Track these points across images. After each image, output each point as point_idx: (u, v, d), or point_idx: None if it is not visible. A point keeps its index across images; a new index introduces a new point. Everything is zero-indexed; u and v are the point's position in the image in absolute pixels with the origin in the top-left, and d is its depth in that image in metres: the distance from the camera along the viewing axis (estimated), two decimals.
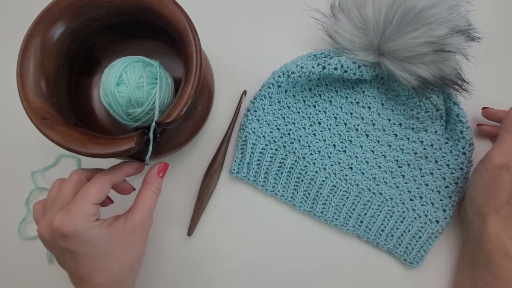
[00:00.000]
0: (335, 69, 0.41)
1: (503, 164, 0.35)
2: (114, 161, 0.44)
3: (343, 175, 0.43)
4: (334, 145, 0.43)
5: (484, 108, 0.42)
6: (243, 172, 0.43)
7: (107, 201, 0.38)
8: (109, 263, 0.32)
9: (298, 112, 0.44)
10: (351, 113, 0.44)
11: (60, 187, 0.32)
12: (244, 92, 0.45)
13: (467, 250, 0.40)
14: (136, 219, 0.33)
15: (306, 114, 0.44)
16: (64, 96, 0.36)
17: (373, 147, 0.43)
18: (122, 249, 0.32)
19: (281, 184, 0.43)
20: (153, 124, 0.32)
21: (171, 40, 0.35)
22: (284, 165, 0.43)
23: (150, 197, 0.34)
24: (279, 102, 0.44)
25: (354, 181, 0.43)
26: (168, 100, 0.35)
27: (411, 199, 0.42)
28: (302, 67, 0.41)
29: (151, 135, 0.33)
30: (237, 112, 0.44)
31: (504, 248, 0.35)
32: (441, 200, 0.42)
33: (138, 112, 0.34)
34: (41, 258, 0.43)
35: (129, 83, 0.33)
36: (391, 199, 0.42)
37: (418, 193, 0.42)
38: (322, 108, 0.44)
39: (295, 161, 0.43)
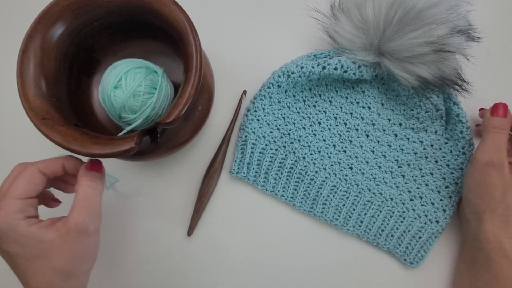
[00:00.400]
0: (335, 69, 0.40)
1: (488, 161, 0.36)
2: (114, 161, 0.44)
3: (343, 175, 0.43)
4: (334, 145, 0.43)
5: (481, 109, 0.42)
6: (243, 172, 0.43)
7: (51, 202, 0.35)
8: (41, 267, 0.29)
9: (298, 112, 0.44)
10: (351, 113, 0.44)
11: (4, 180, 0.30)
12: (244, 92, 0.45)
13: (466, 250, 0.40)
14: (70, 221, 0.29)
15: (306, 114, 0.44)
16: (64, 96, 0.36)
17: (373, 147, 0.43)
18: (55, 253, 0.29)
19: (281, 184, 0.43)
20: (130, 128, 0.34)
21: (171, 40, 0.35)
22: (284, 165, 0.43)
23: (85, 194, 0.30)
24: (279, 102, 0.44)
25: (354, 181, 0.43)
26: (164, 110, 0.35)
27: (411, 199, 0.42)
28: (302, 67, 0.41)
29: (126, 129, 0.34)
30: (237, 112, 0.44)
31: (502, 248, 0.35)
32: (441, 200, 0.42)
33: (130, 118, 0.34)
34: None
35: (126, 89, 0.33)
36: (391, 199, 0.42)
37: (418, 193, 0.42)
38: (322, 108, 0.44)
39: (295, 161, 0.43)
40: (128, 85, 0.34)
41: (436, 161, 0.42)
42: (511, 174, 0.36)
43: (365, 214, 0.42)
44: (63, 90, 0.36)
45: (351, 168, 0.43)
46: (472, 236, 0.38)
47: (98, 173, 0.32)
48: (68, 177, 0.34)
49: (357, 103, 0.44)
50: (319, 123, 0.44)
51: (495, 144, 0.37)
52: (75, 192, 0.31)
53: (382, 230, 0.42)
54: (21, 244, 0.29)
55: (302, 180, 0.43)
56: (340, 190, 0.42)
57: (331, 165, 0.43)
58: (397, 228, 0.42)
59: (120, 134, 0.34)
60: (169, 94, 0.36)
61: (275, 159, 0.43)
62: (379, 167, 0.43)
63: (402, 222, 0.42)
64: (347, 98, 0.44)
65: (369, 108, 0.44)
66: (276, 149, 0.43)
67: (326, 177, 0.43)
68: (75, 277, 0.31)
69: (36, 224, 0.29)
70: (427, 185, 0.42)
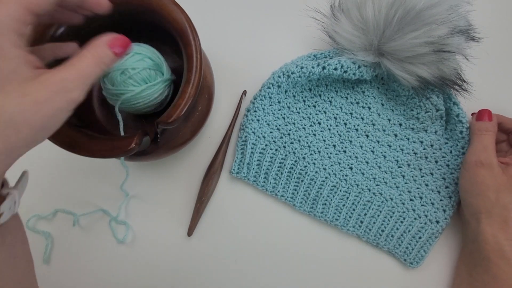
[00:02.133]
0: (335, 69, 0.41)
1: (476, 160, 0.38)
2: (114, 161, 0.44)
3: (343, 175, 0.43)
4: (334, 146, 0.43)
5: (473, 114, 0.42)
6: (243, 172, 0.43)
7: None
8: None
9: (298, 112, 0.44)
10: (351, 113, 0.44)
11: None
12: (244, 92, 0.45)
13: (466, 251, 0.40)
14: (58, 75, 0.23)
15: (306, 114, 0.44)
16: None
17: (373, 147, 0.43)
18: (17, 94, 0.21)
19: (281, 184, 0.43)
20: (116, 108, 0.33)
21: (171, 40, 0.35)
22: (284, 165, 0.43)
23: (86, 63, 0.24)
24: (279, 102, 0.44)
25: (354, 181, 0.43)
26: (148, 107, 0.36)
27: (411, 199, 0.42)
28: (302, 67, 0.41)
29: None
30: (237, 112, 0.44)
31: (500, 249, 0.35)
32: (441, 200, 0.42)
33: (109, 88, 0.34)
34: (39, 257, 0.43)
35: (121, 63, 0.33)
36: (391, 199, 0.42)
37: (418, 193, 0.42)
38: (322, 108, 0.44)
39: (295, 161, 0.43)
40: (127, 61, 0.34)
41: (436, 161, 0.42)
42: (505, 174, 0.37)
43: (365, 214, 0.42)
44: None
45: (351, 168, 0.43)
46: (471, 237, 0.38)
47: (112, 54, 0.25)
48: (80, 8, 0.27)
49: (357, 103, 0.44)
50: (319, 123, 0.44)
51: (481, 145, 0.38)
52: (79, 54, 0.25)
53: (382, 230, 0.42)
54: None
55: (302, 180, 0.43)
56: (340, 190, 0.42)
57: (331, 165, 0.43)
58: (397, 228, 0.42)
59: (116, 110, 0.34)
60: (158, 99, 0.36)
61: (275, 159, 0.43)
62: (379, 167, 0.43)
63: (402, 222, 0.42)
64: (347, 98, 0.44)
65: (369, 108, 0.44)
66: (276, 149, 0.43)
67: (326, 177, 0.43)
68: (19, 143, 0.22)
69: (22, 50, 0.23)
70: (427, 185, 0.42)
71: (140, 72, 0.34)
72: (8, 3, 0.22)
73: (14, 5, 0.22)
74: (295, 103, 0.44)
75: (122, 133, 0.34)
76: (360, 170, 0.43)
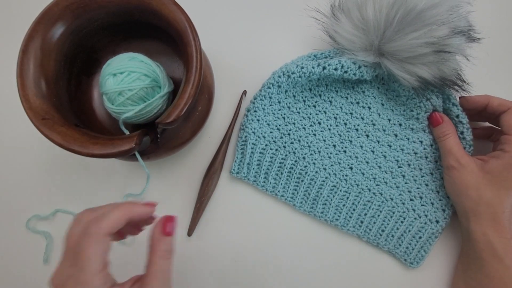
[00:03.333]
0: (336, 69, 0.40)
1: (447, 165, 0.39)
2: (114, 161, 0.44)
3: (343, 175, 0.43)
4: (334, 145, 0.43)
5: (461, 97, 0.41)
6: (243, 172, 0.43)
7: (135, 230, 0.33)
8: None
9: (298, 112, 0.44)
10: (351, 113, 0.44)
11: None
12: (244, 92, 0.45)
13: (463, 251, 0.40)
14: None
15: (306, 114, 0.44)
16: (64, 96, 0.36)
17: (373, 147, 0.43)
18: None
19: (281, 184, 0.43)
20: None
21: (171, 40, 0.35)
22: (284, 165, 0.43)
23: (159, 266, 0.28)
24: (279, 102, 0.44)
25: (354, 181, 0.43)
26: (149, 117, 0.36)
27: (411, 199, 0.42)
28: (302, 67, 0.41)
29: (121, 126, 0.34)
30: (237, 112, 0.44)
31: (492, 248, 0.36)
32: (440, 200, 0.42)
33: (109, 106, 0.35)
34: (39, 257, 0.43)
35: (118, 83, 0.34)
36: (391, 199, 0.42)
37: (418, 193, 0.42)
38: (322, 108, 0.44)
39: (295, 161, 0.43)
40: (123, 82, 0.34)
41: (436, 161, 0.42)
42: (481, 171, 0.37)
43: (365, 214, 0.42)
44: (63, 90, 0.36)
45: (351, 168, 0.43)
46: (465, 237, 0.39)
47: (171, 238, 0.29)
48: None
49: (357, 103, 0.44)
50: (319, 123, 0.44)
51: (446, 149, 0.39)
52: (148, 263, 0.28)
53: (383, 230, 0.42)
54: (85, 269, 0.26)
55: (302, 180, 0.43)
56: (340, 190, 0.42)
57: (331, 165, 0.43)
58: (397, 228, 0.42)
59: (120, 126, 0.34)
60: (158, 112, 0.36)
61: (275, 159, 0.43)
62: (379, 167, 0.43)
63: (402, 222, 0.42)
64: (347, 98, 0.44)
65: (369, 108, 0.44)
66: (276, 149, 0.43)
67: (326, 177, 0.43)
68: None
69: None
70: (427, 185, 0.42)
71: (138, 92, 0.34)
72: (89, 282, 0.25)
73: (95, 280, 0.26)
74: (295, 103, 0.44)
75: (126, 132, 0.34)
76: (360, 170, 0.43)
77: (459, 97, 0.42)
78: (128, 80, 0.34)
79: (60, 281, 0.27)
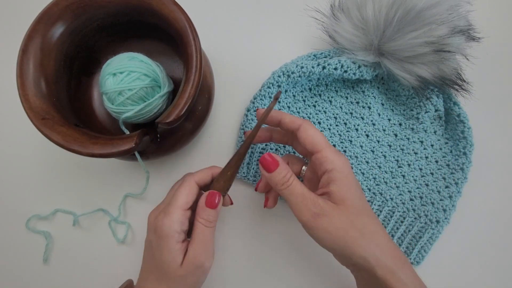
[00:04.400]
0: (335, 69, 0.40)
1: (314, 213, 0.30)
2: (114, 160, 0.44)
3: None
4: (334, 145, 0.43)
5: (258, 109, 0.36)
6: (243, 172, 0.43)
7: (226, 200, 0.37)
8: (160, 280, 0.32)
9: (298, 112, 0.44)
10: (351, 113, 0.44)
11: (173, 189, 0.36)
12: (277, 94, 0.34)
13: None
14: (189, 254, 0.32)
15: (306, 114, 0.44)
16: (64, 96, 0.36)
17: (373, 147, 0.43)
18: (174, 277, 0.32)
19: None
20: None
21: (171, 40, 0.35)
22: None
23: (200, 230, 0.33)
24: (279, 102, 0.44)
25: None
26: (149, 116, 0.36)
27: (411, 199, 0.42)
28: (302, 67, 0.41)
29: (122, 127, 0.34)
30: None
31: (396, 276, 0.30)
32: (441, 200, 0.42)
33: (108, 105, 0.35)
34: (39, 257, 0.43)
35: (118, 83, 0.34)
36: (392, 199, 0.42)
37: (419, 193, 0.42)
38: (322, 108, 0.44)
39: None
40: (123, 82, 0.34)
41: (437, 161, 0.42)
42: (332, 205, 0.31)
43: None
44: (63, 90, 0.36)
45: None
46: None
47: (213, 210, 0.33)
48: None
49: (357, 103, 0.44)
50: (319, 123, 0.44)
51: (296, 195, 0.31)
52: (194, 226, 0.33)
53: None
54: (163, 253, 0.32)
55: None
56: None
57: None
58: (398, 228, 0.42)
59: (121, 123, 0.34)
60: (158, 112, 0.36)
61: None
62: (379, 167, 0.43)
63: (402, 222, 0.42)
64: (347, 98, 0.44)
65: (369, 108, 0.44)
66: (276, 149, 0.43)
67: None
68: None
69: (180, 243, 0.32)
70: (427, 185, 0.42)
71: (137, 92, 0.34)
72: (172, 213, 0.32)
73: (175, 214, 0.32)
74: (295, 103, 0.44)
75: (126, 132, 0.34)
76: (360, 170, 0.43)
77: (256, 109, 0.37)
78: (128, 80, 0.34)
79: (154, 214, 0.33)
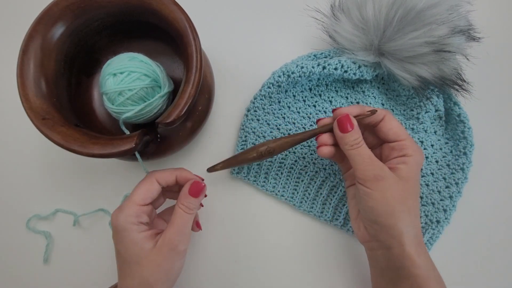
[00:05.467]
0: (335, 69, 0.40)
1: (376, 175, 0.32)
2: (114, 160, 0.44)
3: None
4: None
5: (334, 110, 0.36)
6: (244, 172, 0.43)
7: (194, 227, 0.38)
8: (132, 272, 0.32)
9: (298, 112, 0.44)
10: None
11: None
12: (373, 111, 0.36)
13: (381, 282, 0.35)
14: (165, 236, 0.32)
15: (306, 114, 0.44)
16: (64, 96, 0.36)
17: None
18: (147, 263, 0.32)
19: (281, 184, 0.43)
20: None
21: (171, 40, 0.35)
22: (284, 165, 0.43)
23: (179, 215, 0.33)
24: (279, 102, 0.44)
25: None
26: (149, 116, 0.36)
27: None
28: (302, 67, 0.41)
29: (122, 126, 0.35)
30: None
31: (436, 278, 0.33)
32: (441, 200, 0.42)
33: (108, 105, 0.35)
34: (39, 257, 0.43)
35: (118, 83, 0.34)
36: None
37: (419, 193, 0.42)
38: (322, 108, 0.44)
39: (295, 161, 0.43)
40: (123, 82, 0.34)
41: (437, 161, 0.42)
42: (400, 179, 0.32)
43: None
44: (63, 90, 0.36)
45: None
46: (392, 265, 0.33)
47: (195, 199, 0.34)
48: (179, 188, 0.36)
49: (357, 103, 0.44)
50: None
51: (364, 158, 0.33)
52: (174, 210, 0.34)
53: None
54: (126, 246, 0.32)
55: (302, 180, 0.43)
56: (340, 190, 0.42)
57: (331, 165, 0.43)
58: None
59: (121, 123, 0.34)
60: (158, 112, 0.36)
61: (275, 159, 0.43)
62: None
63: None
64: (347, 98, 0.44)
65: None
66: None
67: (326, 177, 0.43)
68: None
69: (144, 232, 0.33)
70: (427, 185, 0.42)
71: (138, 92, 0.34)
72: (126, 208, 0.33)
73: (129, 208, 0.33)
74: (295, 103, 0.44)
75: (126, 132, 0.34)
76: None
77: (332, 110, 0.36)
78: (128, 80, 0.34)
79: (115, 213, 0.33)
